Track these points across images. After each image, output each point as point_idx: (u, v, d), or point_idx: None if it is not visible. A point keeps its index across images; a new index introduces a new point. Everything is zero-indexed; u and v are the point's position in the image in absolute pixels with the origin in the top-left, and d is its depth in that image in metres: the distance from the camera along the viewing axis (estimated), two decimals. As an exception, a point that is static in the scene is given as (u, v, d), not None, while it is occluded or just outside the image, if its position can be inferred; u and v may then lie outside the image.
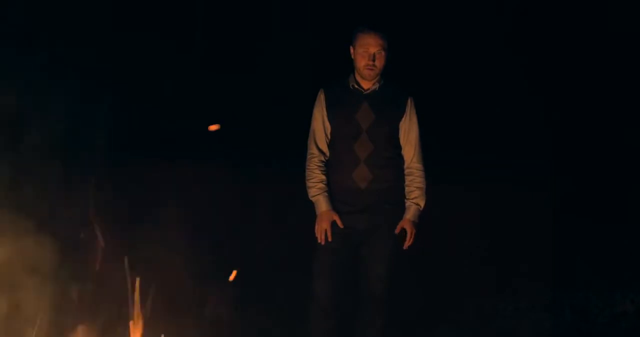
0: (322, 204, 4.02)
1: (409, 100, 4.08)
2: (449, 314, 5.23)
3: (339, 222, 4.00)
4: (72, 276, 3.57)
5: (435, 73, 8.26)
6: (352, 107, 4.02)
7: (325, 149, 4.08)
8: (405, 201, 4.06)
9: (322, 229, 4.00)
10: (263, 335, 4.78)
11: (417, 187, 4.06)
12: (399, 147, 4.07)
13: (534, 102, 8.51)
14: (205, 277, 4.81)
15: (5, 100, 3.93)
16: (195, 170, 6.39)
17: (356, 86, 4.04)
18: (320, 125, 4.08)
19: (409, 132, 4.06)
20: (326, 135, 4.08)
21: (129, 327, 3.43)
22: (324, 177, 4.04)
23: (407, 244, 4.04)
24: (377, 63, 3.96)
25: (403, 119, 4.06)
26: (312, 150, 4.08)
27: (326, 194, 4.03)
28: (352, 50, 4.03)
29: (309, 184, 4.06)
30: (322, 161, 4.06)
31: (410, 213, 4.04)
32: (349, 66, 4.07)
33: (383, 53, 3.96)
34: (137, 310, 3.43)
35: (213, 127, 3.81)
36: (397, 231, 4.02)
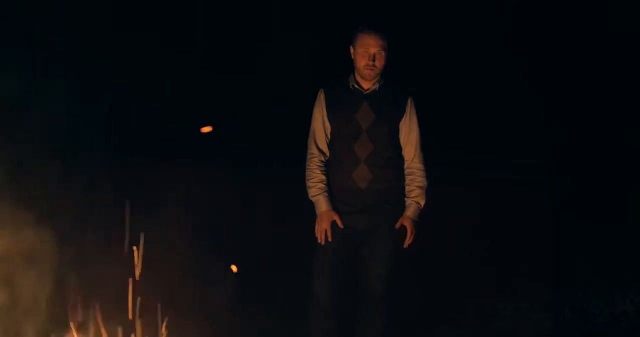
0: (322, 204, 4.02)
1: (409, 100, 4.08)
2: (449, 314, 5.23)
3: (339, 222, 4.00)
4: (70, 272, 3.57)
5: (435, 73, 8.26)
6: (352, 107, 4.02)
7: (325, 149, 4.08)
8: (405, 199, 4.06)
9: (322, 229, 4.00)
10: (263, 335, 4.78)
11: (417, 186, 4.06)
12: (399, 147, 4.07)
13: (534, 102, 8.51)
14: (205, 277, 4.81)
15: (5, 100, 3.93)
16: (195, 170, 6.39)
17: (356, 86, 4.04)
18: (320, 125, 4.08)
19: (409, 132, 4.06)
20: (326, 135, 4.08)
21: (127, 327, 3.44)
22: (324, 177, 4.04)
23: (407, 242, 4.04)
24: (377, 63, 3.96)
25: (403, 119, 4.06)
26: (312, 150, 4.08)
27: (326, 194, 4.03)
28: (352, 50, 4.03)
29: (309, 184, 4.06)
30: (322, 161, 4.06)
31: (411, 211, 4.04)
32: (349, 66, 4.07)
33: (383, 53, 3.96)
34: (136, 310, 3.43)
35: (205, 129, 3.80)
36: (397, 226, 4.01)
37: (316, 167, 4.05)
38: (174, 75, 7.87)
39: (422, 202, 4.07)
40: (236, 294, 5.11)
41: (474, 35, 8.75)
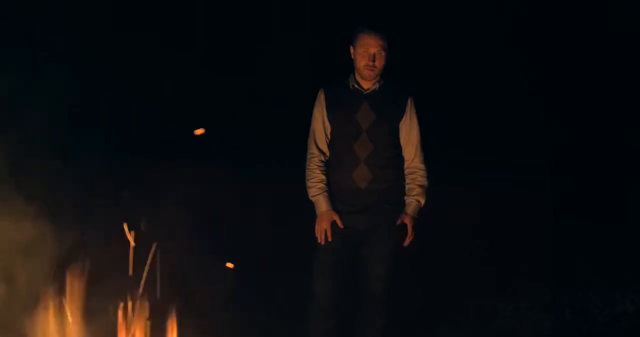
0: (322, 204, 4.02)
1: (409, 100, 4.08)
2: (449, 314, 5.23)
3: (339, 222, 4.00)
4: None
5: (435, 73, 8.26)
6: (352, 107, 4.02)
7: (325, 149, 4.08)
8: (406, 197, 4.06)
9: (322, 229, 4.00)
10: (263, 335, 4.78)
11: (418, 185, 4.06)
12: (399, 147, 4.07)
13: (534, 102, 8.51)
14: (205, 277, 4.81)
15: (5, 99, 3.93)
16: (195, 170, 6.39)
17: (356, 86, 4.04)
18: (320, 125, 4.08)
19: (409, 133, 4.06)
20: (326, 135, 4.08)
21: (126, 327, 3.43)
22: (324, 177, 4.04)
23: (408, 240, 4.03)
24: (377, 63, 3.96)
25: (403, 119, 4.06)
26: (312, 150, 4.08)
27: (326, 194, 4.03)
28: (352, 50, 4.03)
29: (309, 184, 4.06)
30: (322, 161, 4.06)
31: (411, 209, 4.04)
32: (349, 66, 4.07)
33: (383, 53, 3.96)
34: (136, 310, 3.43)
35: (198, 132, 3.80)
36: (398, 223, 4.01)
37: (316, 167, 4.05)
38: (174, 75, 7.87)
39: (423, 201, 4.07)
40: (236, 294, 5.11)
41: (474, 35, 8.75)
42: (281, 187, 6.14)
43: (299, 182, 4.14)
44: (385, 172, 4.03)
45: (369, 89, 4.04)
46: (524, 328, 5.10)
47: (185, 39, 8.54)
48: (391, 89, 4.07)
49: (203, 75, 8.38)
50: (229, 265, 4.09)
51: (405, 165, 4.09)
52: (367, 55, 3.95)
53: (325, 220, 4.00)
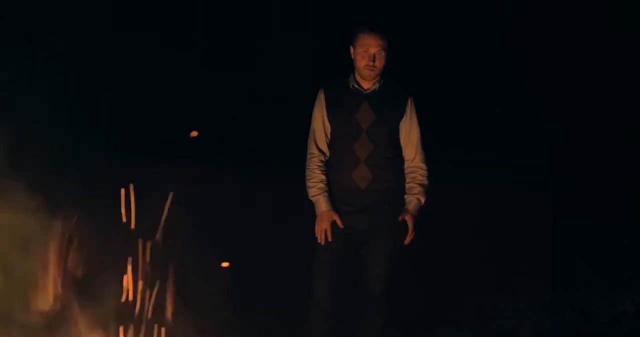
0: (322, 204, 4.02)
1: (409, 101, 4.07)
2: (449, 314, 5.23)
3: (339, 222, 4.00)
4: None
5: (435, 73, 8.27)
6: (352, 107, 4.02)
7: (325, 149, 4.07)
8: (406, 196, 4.05)
9: (322, 229, 4.00)
10: (263, 335, 4.78)
11: (418, 184, 4.06)
12: (399, 147, 4.07)
13: (534, 102, 8.52)
14: (205, 277, 4.81)
15: (5, 100, 3.93)
16: (195, 170, 6.39)
17: (356, 86, 4.04)
18: (320, 125, 4.08)
19: (409, 132, 4.06)
20: (326, 135, 4.08)
21: (125, 328, 3.43)
22: (324, 177, 4.04)
23: (409, 238, 4.03)
24: (377, 63, 3.96)
25: (403, 119, 4.06)
26: (312, 150, 4.08)
27: (326, 194, 4.03)
28: (352, 50, 4.03)
29: (309, 184, 4.06)
30: (322, 161, 4.06)
31: (412, 206, 4.03)
32: (349, 66, 4.07)
33: (383, 53, 3.96)
34: (135, 311, 3.43)
35: (193, 134, 3.80)
36: (400, 219, 4.01)
37: (316, 167, 4.05)
38: (174, 75, 7.87)
39: (423, 200, 4.06)
40: (236, 294, 5.11)
41: (474, 35, 8.76)
42: (281, 187, 6.14)
43: (299, 182, 4.14)
44: (385, 172, 4.03)
45: (369, 89, 4.04)
46: (524, 328, 5.09)
47: (185, 39, 8.55)
48: (391, 89, 4.07)
49: (203, 75, 8.38)
50: (225, 264, 4.08)
51: (406, 165, 4.09)
52: (367, 55, 3.95)
53: (325, 220, 4.00)
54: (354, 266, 4.08)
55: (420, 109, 4.09)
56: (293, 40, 8.67)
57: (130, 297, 3.42)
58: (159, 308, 3.48)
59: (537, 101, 8.51)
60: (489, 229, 6.64)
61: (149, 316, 3.43)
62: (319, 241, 4.02)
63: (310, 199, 4.06)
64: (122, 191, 3.42)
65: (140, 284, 3.42)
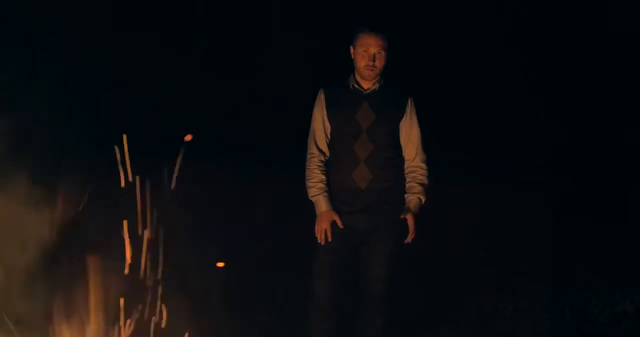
0: (322, 204, 4.01)
1: (409, 101, 4.07)
2: (449, 314, 5.23)
3: (339, 222, 4.00)
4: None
5: (435, 73, 8.27)
6: (352, 107, 4.02)
7: (325, 149, 4.07)
8: (406, 195, 4.05)
9: (322, 229, 4.00)
10: (263, 335, 4.78)
11: (419, 183, 4.05)
12: (399, 147, 4.07)
13: (534, 102, 8.52)
14: (205, 277, 4.81)
15: (5, 99, 3.93)
16: (195, 170, 6.38)
17: (356, 86, 4.04)
18: (320, 125, 4.07)
19: (410, 132, 4.06)
20: (326, 135, 4.08)
21: (125, 327, 3.44)
22: (323, 177, 4.04)
23: (410, 237, 4.03)
24: (377, 63, 3.95)
25: (403, 119, 4.06)
26: (312, 150, 4.08)
27: (326, 194, 4.02)
28: (352, 50, 4.02)
29: (308, 184, 4.06)
30: (322, 161, 4.06)
31: (413, 205, 4.03)
32: (349, 66, 4.07)
33: (383, 53, 3.96)
34: (135, 311, 3.44)
35: (187, 138, 3.81)
36: (401, 217, 4.00)
37: (316, 167, 4.05)
38: (174, 75, 7.88)
39: (424, 199, 4.06)
40: (236, 294, 5.11)
41: (474, 35, 8.76)
42: (281, 187, 6.14)
43: (299, 182, 4.14)
44: (385, 172, 4.03)
45: (369, 89, 4.04)
46: (524, 328, 5.09)
47: (185, 39, 8.55)
48: (391, 89, 4.07)
49: (203, 75, 8.38)
50: (220, 264, 4.08)
51: (406, 165, 4.09)
52: (367, 55, 3.95)
53: (325, 220, 4.00)
54: (354, 266, 4.08)
55: (420, 109, 4.09)
56: (293, 40, 8.67)
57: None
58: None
59: (537, 101, 8.51)
60: (489, 229, 6.64)
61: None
62: (319, 241, 4.02)
63: (310, 199, 4.06)
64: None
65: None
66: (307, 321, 4.09)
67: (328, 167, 4.06)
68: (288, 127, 6.03)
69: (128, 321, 3.45)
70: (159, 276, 3.56)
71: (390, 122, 4.03)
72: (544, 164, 8.06)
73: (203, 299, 4.62)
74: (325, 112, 4.06)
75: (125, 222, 3.44)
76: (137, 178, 3.44)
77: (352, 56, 4.02)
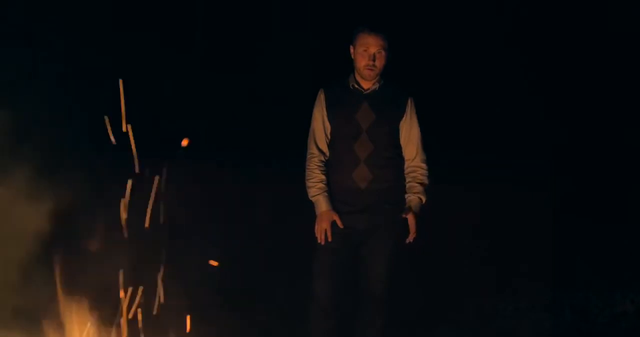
0: (322, 204, 4.02)
1: (409, 101, 4.07)
2: (449, 314, 5.23)
3: (338, 222, 4.00)
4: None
5: (435, 73, 8.26)
6: (352, 107, 4.02)
7: (325, 149, 4.07)
8: (407, 195, 4.05)
9: (322, 229, 4.00)
10: (263, 335, 4.78)
11: (419, 183, 4.05)
12: (399, 147, 4.07)
13: (534, 102, 8.51)
14: (205, 277, 4.81)
15: (5, 99, 3.93)
16: (195, 170, 6.39)
17: (356, 86, 4.04)
18: (320, 125, 4.08)
19: (410, 132, 4.06)
20: (326, 135, 4.08)
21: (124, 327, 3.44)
22: (323, 177, 4.04)
23: (411, 237, 4.03)
24: (377, 63, 3.96)
25: (403, 119, 4.06)
26: (312, 150, 4.08)
27: (326, 194, 4.03)
28: (352, 50, 4.03)
29: (308, 184, 4.06)
30: (322, 161, 4.06)
31: (413, 205, 4.03)
32: (349, 66, 4.07)
33: (383, 53, 3.96)
34: (133, 310, 3.44)
35: (184, 142, 3.81)
36: (403, 216, 4.00)
37: (316, 167, 4.05)
38: (174, 75, 7.87)
39: (424, 199, 4.06)
40: (236, 294, 5.11)
41: (474, 35, 8.75)
42: (281, 187, 6.14)
43: (299, 182, 4.14)
44: (385, 172, 4.03)
45: (369, 89, 4.04)
46: (524, 328, 5.09)
47: (185, 39, 8.55)
48: (391, 89, 4.07)
49: (203, 75, 8.38)
50: (213, 263, 4.07)
51: (406, 165, 4.09)
52: (367, 55, 3.95)
53: (325, 220, 4.00)
54: (354, 266, 4.08)
55: (420, 109, 4.09)
56: (293, 40, 8.67)
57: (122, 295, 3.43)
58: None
59: (537, 101, 8.51)
60: (489, 229, 6.64)
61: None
62: (319, 241, 4.02)
63: (310, 199, 4.06)
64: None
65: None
66: (307, 321, 4.09)
67: (328, 167, 4.06)
68: (288, 127, 6.03)
69: (127, 321, 3.45)
70: (159, 276, 3.56)
71: (390, 122, 4.03)
72: (544, 164, 8.06)
73: (203, 299, 4.62)
74: (325, 112, 4.06)
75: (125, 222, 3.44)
76: (137, 179, 3.43)
77: (352, 56, 4.03)
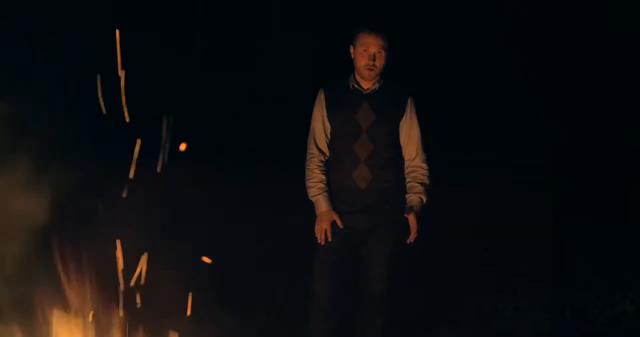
0: (322, 204, 4.02)
1: (409, 101, 4.08)
2: (449, 314, 5.23)
3: (338, 222, 4.00)
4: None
5: (435, 73, 8.25)
6: (352, 107, 4.02)
7: (325, 149, 4.08)
8: (407, 195, 4.05)
9: (322, 229, 4.00)
10: (263, 335, 4.78)
11: (420, 183, 4.06)
12: (399, 147, 4.07)
13: (534, 102, 8.51)
14: (205, 277, 4.81)
15: (5, 100, 3.93)
16: (195, 170, 6.39)
17: (356, 86, 4.04)
18: (320, 125, 4.08)
19: (410, 132, 4.06)
20: (326, 135, 4.08)
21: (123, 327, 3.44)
22: (323, 177, 4.04)
23: (412, 236, 4.02)
24: (377, 63, 3.96)
25: (403, 119, 4.06)
26: (312, 150, 4.08)
27: (326, 194, 4.03)
28: (352, 50, 4.03)
29: (308, 184, 4.06)
30: (322, 161, 4.06)
31: (415, 204, 4.03)
32: (349, 66, 4.07)
33: (383, 53, 3.97)
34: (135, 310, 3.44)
35: (182, 147, 3.81)
36: (405, 215, 4.00)
37: (316, 167, 4.05)
38: (174, 75, 7.86)
39: (425, 199, 4.06)
40: (236, 294, 5.11)
41: (474, 35, 8.75)
42: (281, 187, 6.14)
43: (299, 182, 4.14)
44: (385, 172, 4.03)
45: (369, 89, 4.04)
46: (524, 328, 5.09)
47: (185, 39, 8.54)
48: (391, 89, 4.07)
49: (203, 75, 8.38)
50: (206, 260, 4.06)
51: (406, 165, 4.09)
52: (367, 54, 3.95)
53: (325, 220, 4.00)
54: (354, 266, 4.08)
55: (420, 109, 4.09)
56: (293, 40, 8.66)
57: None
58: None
59: (537, 101, 8.50)
60: (489, 229, 6.64)
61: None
62: (319, 241, 4.02)
63: (310, 199, 4.06)
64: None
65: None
66: (307, 321, 4.10)
67: (328, 167, 4.06)
68: (288, 127, 6.02)
69: (126, 320, 3.45)
70: (159, 275, 3.56)
71: (390, 122, 4.04)
72: (544, 164, 8.05)
73: (203, 299, 4.62)
74: (325, 112, 4.06)
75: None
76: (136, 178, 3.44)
77: (352, 56, 4.03)
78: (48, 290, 3.43)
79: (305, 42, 8.56)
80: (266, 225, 6.36)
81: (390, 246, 4.03)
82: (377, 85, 4.04)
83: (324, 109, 4.06)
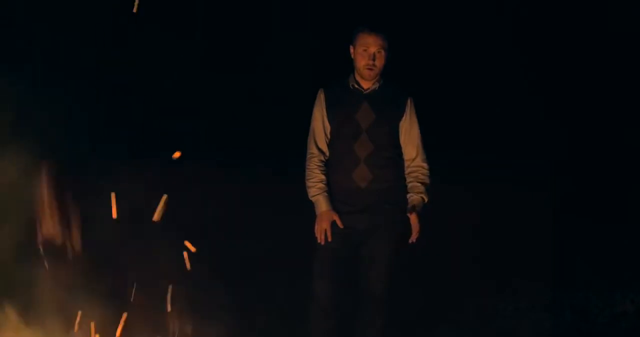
0: (322, 204, 4.02)
1: (408, 101, 4.08)
2: (449, 314, 5.23)
3: (338, 222, 4.00)
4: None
5: (435, 73, 8.25)
6: (352, 107, 4.03)
7: (325, 149, 4.08)
8: (409, 195, 4.05)
9: (322, 229, 4.00)
10: (263, 335, 4.78)
11: (421, 183, 4.06)
12: (399, 147, 4.07)
13: (534, 102, 8.51)
14: (205, 277, 4.80)
15: (5, 100, 3.94)
16: (195, 170, 6.39)
17: (356, 86, 4.04)
18: (320, 125, 4.08)
19: (409, 132, 4.07)
20: (326, 135, 4.08)
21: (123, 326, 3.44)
22: (323, 177, 4.04)
23: (414, 236, 4.02)
24: (377, 63, 3.96)
25: (403, 119, 4.06)
26: (312, 150, 4.08)
27: (326, 194, 4.03)
28: (352, 50, 4.03)
29: (308, 184, 4.06)
30: (322, 161, 4.07)
31: (416, 204, 4.02)
32: (349, 66, 4.07)
33: (383, 53, 3.97)
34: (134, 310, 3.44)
35: (176, 155, 3.81)
36: (408, 213, 3.99)
37: (316, 167, 4.05)
38: (174, 75, 7.87)
39: (426, 198, 4.06)
40: (236, 294, 5.11)
41: (474, 35, 8.75)
42: (281, 187, 6.14)
43: (299, 182, 4.14)
44: (385, 172, 4.03)
45: (368, 88, 4.04)
46: (524, 328, 5.09)
47: (185, 39, 8.54)
48: (391, 89, 4.07)
49: (203, 75, 8.38)
50: (190, 247, 4.03)
51: (407, 165, 4.09)
52: (367, 54, 3.95)
53: (325, 220, 4.00)
54: (354, 266, 4.08)
55: (420, 109, 4.09)
56: (293, 40, 8.66)
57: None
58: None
59: (537, 101, 8.50)
60: (489, 229, 6.64)
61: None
62: (319, 241, 4.02)
63: (310, 199, 4.06)
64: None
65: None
66: (307, 321, 4.10)
67: (328, 167, 4.06)
68: (288, 127, 6.02)
69: (125, 320, 3.45)
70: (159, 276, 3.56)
71: (390, 122, 4.04)
72: (544, 164, 8.05)
73: (202, 299, 4.62)
74: (325, 112, 4.06)
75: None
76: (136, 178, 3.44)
77: (352, 56, 4.03)
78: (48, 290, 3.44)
79: (305, 42, 8.56)
80: (266, 225, 6.36)
81: (391, 246, 4.03)
82: (377, 85, 4.04)
83: (324, 109, 4.06)
